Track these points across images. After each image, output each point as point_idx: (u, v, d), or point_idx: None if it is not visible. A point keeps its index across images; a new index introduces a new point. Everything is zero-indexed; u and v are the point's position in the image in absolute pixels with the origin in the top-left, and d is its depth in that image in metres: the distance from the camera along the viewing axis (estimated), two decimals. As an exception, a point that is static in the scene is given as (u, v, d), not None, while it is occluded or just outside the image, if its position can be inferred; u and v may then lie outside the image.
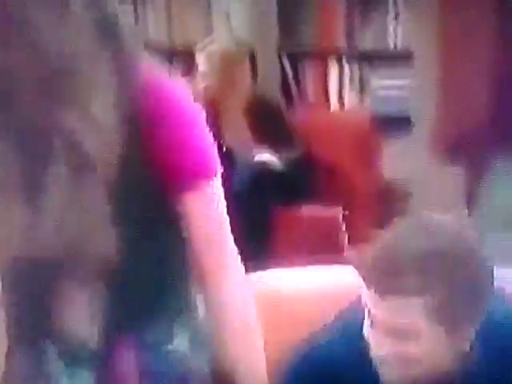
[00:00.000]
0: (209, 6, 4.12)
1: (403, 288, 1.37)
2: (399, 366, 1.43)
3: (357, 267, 1.46)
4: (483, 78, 3.75)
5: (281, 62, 4.13)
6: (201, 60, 3.61)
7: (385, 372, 1.45)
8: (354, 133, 3.86)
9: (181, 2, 4.11)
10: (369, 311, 1.42)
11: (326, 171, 3.66)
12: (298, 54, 4.17)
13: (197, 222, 1.28)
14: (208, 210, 1.29)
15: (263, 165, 3.43)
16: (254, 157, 3.45)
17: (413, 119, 3.94)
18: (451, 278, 1.38)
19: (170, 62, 4.06)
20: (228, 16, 4.13)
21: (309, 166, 3.57)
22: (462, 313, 1.41)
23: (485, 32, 3.71)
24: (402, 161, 3.77)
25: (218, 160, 1.33)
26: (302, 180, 3.49)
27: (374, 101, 4.09)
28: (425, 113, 3.90)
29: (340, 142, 3.77)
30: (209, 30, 4.08)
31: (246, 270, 1.40)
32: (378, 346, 1.44)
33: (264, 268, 1.80)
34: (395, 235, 1.42)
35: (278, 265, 1.88)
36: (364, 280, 1.39)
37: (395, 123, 3.96)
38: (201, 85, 3.59)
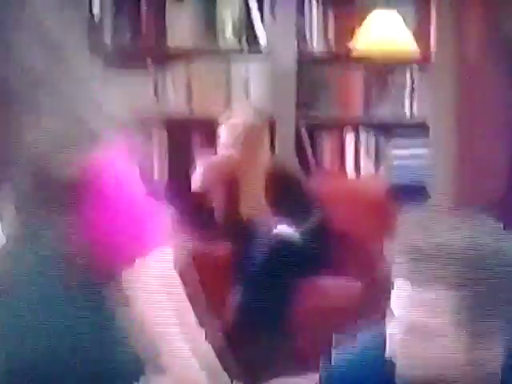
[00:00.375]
0: (229, 76, 4.21)
1: (430, 278, 1.35)
2: (416, 368, 1.38)
3: (389, 252, 1.44)
4: (499, 149, 3.80)
5: (298, 132, 4.21)
6: (222, 131, 3.69)
7: (401, 375, 1.40)
8: (370, 201, 3.91)
9: (201, 74, 4.20)
10: (391, 308, 1.40)
11: (342, 240, 3.71)
12: (316, 123, 4.25)
13: (133, 299, 1.26)
14: (143, 287, 1.27)
15: (281, 237, 3.48)
16: (272, 229, 3.50)
17: (428, 188, 3.99)
18: (483, 277, 1.35)
19: (190, 132, 4.16)
20: (247, 86, 4.22)
21: (326, 236, 3.61)
22: (490, 319, 1.36)
23: (501, 103, 3.77)
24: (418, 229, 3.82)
25: (156, 236, 1.31)
26: (320, 251, 3.53)
27: (390, 169, 4.15)
28: (440, 182, 3.95)
29: (356, 211, 3.82)
30: (228, 101, 4.17)
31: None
32: (396, 343, 1.40)
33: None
34: (438, 228, 1.40)
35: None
36: (393, 267, 1.37)
37: (410, 192, 4.01)
38: (221, 155, 3.67)
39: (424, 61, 4.16)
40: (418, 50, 4.16)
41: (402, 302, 1.39)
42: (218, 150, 3.73)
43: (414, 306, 1.37)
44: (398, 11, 4.12)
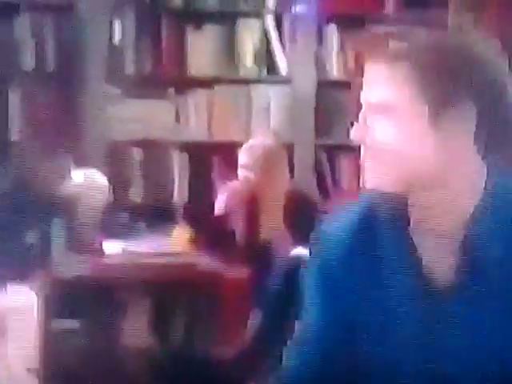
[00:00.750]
0: (249, 103, 4.28)
1: (387, 53, 1.34)
2: (377, 154, 1.34)
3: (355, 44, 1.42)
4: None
5: (317, 155, 4.25)
6: (241, 153, 3.73)
7: (366, 173, 1.37)
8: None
9: (221, 101, 4.27)
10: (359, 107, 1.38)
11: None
12: (335, 147, 4.30)
13: None
14: None
15: (299, 260, 3.50)
16: (290, 251, 3.52)
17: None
18: (438, 45, 1.33)
19: (211, 155, 4.23)
20: (267, 112, 4.28)
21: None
22: (448, 88, 1.32)
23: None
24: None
25: None
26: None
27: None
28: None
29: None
30: (248, 126, 4.23)
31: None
32: (359, 130, 1.36)
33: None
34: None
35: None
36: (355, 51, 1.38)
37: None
38: (241, 180, 3.71)
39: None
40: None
41: (367, 83, 1.37)
42: (238, 172, 3.77)
43: (376, 84, 1.35)
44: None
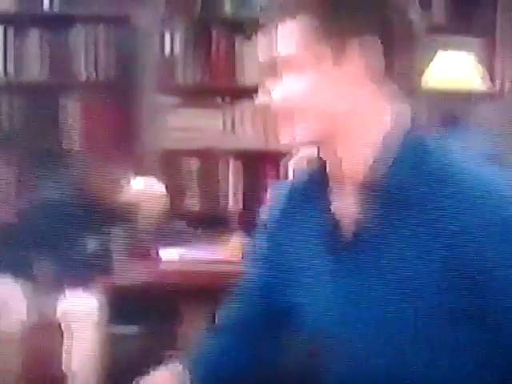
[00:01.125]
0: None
1: (290, 6, 1.33)
2: (288, 110, 1.35)
3: None
4: None
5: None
6: (290, 165, 3.77)
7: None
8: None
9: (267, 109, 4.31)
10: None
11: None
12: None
13: None
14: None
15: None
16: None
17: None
18: None
19: (261, 164, 4.28)
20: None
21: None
22: (351, 29, 1.31)
23: None
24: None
25: None
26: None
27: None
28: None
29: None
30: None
31: None
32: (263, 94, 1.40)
33: None
34: None
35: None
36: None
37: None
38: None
39: (490, 97, 4.20)
40: (484, 88, 4.20)
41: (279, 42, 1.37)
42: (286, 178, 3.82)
43: (283, 40, 1.34)
44: (465, 48, 4.17)
